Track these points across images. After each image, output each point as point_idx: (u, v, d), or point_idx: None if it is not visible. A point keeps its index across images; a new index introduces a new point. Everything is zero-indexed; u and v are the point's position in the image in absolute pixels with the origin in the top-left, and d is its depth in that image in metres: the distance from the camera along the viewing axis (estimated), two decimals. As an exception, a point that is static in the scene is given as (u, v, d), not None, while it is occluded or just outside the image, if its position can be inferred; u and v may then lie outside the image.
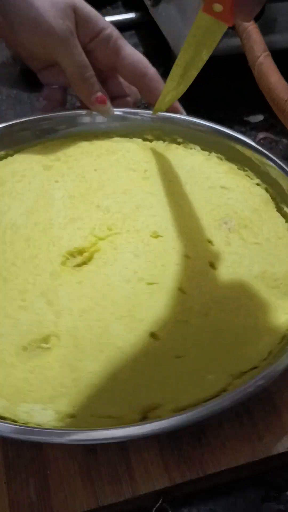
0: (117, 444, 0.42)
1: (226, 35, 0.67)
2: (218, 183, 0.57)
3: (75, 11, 0.59)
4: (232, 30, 0.62)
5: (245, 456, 0.42)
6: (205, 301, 0.47)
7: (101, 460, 0.42)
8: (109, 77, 0.64)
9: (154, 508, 0.41)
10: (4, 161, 0.61)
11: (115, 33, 0.61)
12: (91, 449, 0.42)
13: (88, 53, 0.60)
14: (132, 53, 0.62)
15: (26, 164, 0.60)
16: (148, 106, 0.75)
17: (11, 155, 0.61)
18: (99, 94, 0.61)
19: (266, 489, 0.43)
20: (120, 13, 0.97)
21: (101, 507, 0.40)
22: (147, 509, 0.41)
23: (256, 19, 0.63)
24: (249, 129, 0.73)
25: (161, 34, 0.75)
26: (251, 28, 0.59)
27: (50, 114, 0.64)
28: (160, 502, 0.41)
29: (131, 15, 0.93)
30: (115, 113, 0.63)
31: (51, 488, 0.41)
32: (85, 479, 0.41)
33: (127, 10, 0.96)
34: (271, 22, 0.67)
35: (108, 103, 0.62)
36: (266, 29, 0.64)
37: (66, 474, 0.41)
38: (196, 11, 0.65)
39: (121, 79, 0.65)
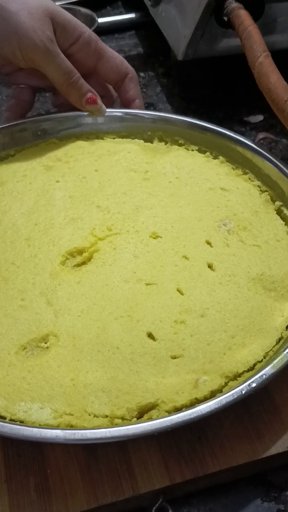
0: (117, 443, 0.42)
1: (226, 35, 0.68)
2: (218, 184, 0.58)
3: (53, 19, 0.59)
4: (232, 30, 0.62)
5: (245, 456, 0.42)
6: (202, 302, 0.47)
7: (101, 459, 0.42)
8: (88, 79, 0.64)
9: (154, 508, 0.41)
10: (5, 161, 0.61)
11: (94, 36, 0.62)
12: (92, 449, 0.42)
13: (68, 56, 0.61)
14: (115, 55, 0.63)
15: (27, 164, 0.60)
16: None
17: (12, 155, 0.62)
18: (89, 94, 0.61)
19: (266, 489, 0.43)
20: (120, 13, 0.97)
21: (101, 507, 0.40)
22: (147, 509, 0.41)
23: (256, 19, 0.63)
24: (249, 129, 0.73)
25: (161, 34, 0.75)
26: (251, 28, 0.59)
27: (51, 115, 0.64)
28: (160, 501, 0.41)
29: (131, 15, 0.94)
30: (117, 114, 0.63)
31: (51, 488, 0.41)
32: (85, 478, 0.41)
33: (127, 10, 0.96)
34: (271, 22, 0.67)
35: (100, 102, 0.62)
36: (266, 29, 0.65)
37: (66, 474, 0.41)
38: (196, 11, 0.65)
39: (98, 80, 0.65)
